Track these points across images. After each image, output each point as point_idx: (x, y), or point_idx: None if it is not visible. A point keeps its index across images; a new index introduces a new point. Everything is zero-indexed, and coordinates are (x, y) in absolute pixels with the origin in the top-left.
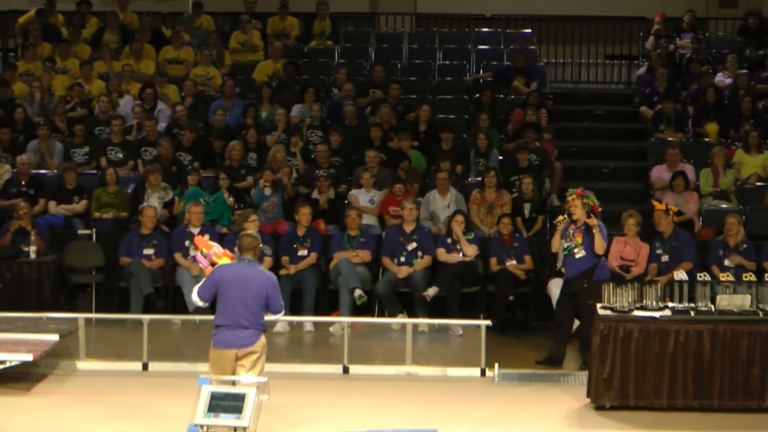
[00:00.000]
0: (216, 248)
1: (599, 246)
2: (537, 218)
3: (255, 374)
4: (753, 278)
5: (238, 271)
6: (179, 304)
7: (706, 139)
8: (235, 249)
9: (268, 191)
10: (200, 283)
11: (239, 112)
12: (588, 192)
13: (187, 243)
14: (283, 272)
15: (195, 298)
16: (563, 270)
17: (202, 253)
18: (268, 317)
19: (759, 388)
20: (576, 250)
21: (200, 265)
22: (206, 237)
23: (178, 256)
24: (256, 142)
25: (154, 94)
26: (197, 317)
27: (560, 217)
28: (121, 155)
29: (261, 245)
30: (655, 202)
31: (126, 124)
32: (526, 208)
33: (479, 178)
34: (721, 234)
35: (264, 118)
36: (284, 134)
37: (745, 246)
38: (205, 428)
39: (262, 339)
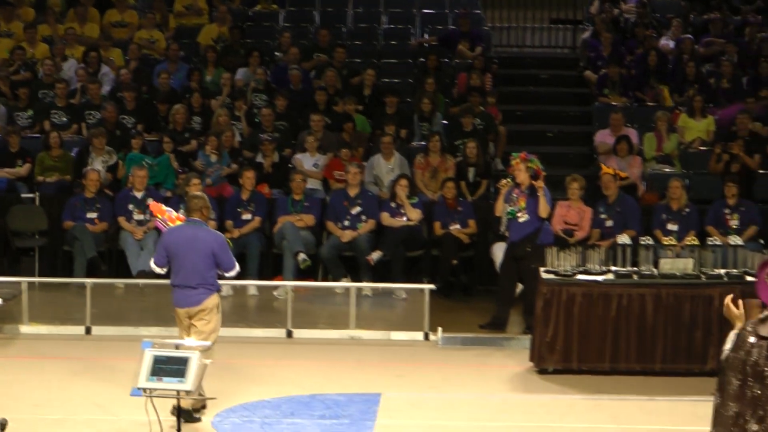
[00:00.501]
0: (170, 213)
1: (543, 210)
2: (481, 182)
3: (207, 333)
4: (696, 242)
5: (185, 232)
6: (122, 268)
7: (651, 104)
8: (182, 210)
9: (213, 157)
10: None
11: (184, 76)
12: (532, 156)
13: (131, 207)
14: (227, 236)
15: (153, 267)
16: (507, 234)
17: (158, 218)
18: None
19: (701, 352)
20: (519, 214)
21: (162, 230)
22: (161, 204)
23: (121, 220)
24: (200, 105)
25: (99, 57)
26: (140, 281)
27: (504, 181)
28: (65, 119)
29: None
30: (603, 166)
31: (70, 88)
32: (471, 173)
33: (423, 143)
34: (665, 198)
35: (209, 82)
36: (229, 98)
37: (688, 210)
38: (148, 392)
39: (213, 298)
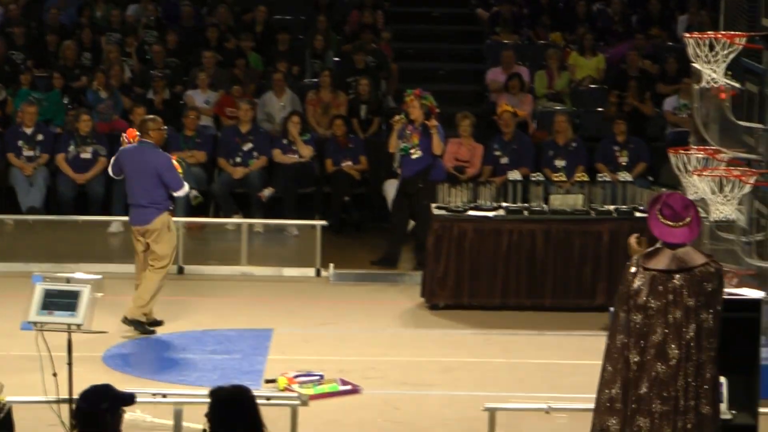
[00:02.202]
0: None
1: (437, 147)
2: (373, 120)
3: (161, 255)
4: (585, 178)
5: (134, 154)
6: (12, 205)
7: (542, 42)
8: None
9: (103, 94)
10: None
11: (74, 12)
12: (426, 93)
13: (20, 143)
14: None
15: (111, 173)
16: (399, 171)
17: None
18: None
19: (590, 287)
20: (413, 151)
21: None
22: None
23: (10, 156)
24: (90, 41)
25: None
26: (30, 217)
27: (397, 117)
28: None
29: (163, 128)
30: (503, 104)
31: None
32: (363, 110)
33: (315, 80)
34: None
35: (99, 18)
36: (119, 34)
37: (574, 144)
38: (38, 325)
39: (162, 217)
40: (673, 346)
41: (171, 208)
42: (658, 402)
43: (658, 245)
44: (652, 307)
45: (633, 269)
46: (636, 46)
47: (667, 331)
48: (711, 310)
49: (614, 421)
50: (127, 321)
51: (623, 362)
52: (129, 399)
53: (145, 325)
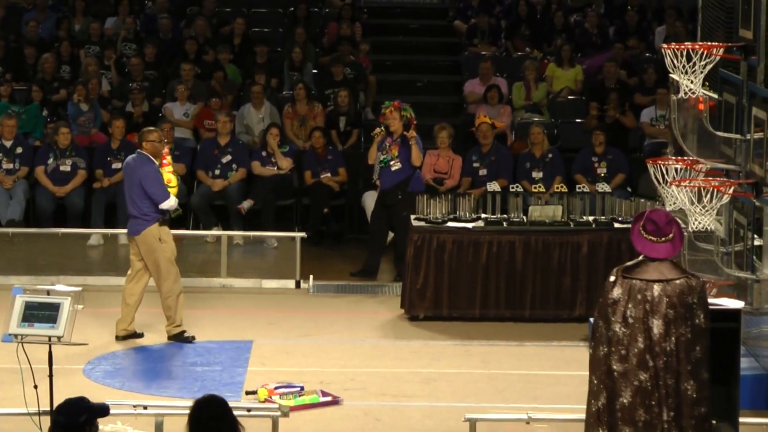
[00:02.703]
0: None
1: (416, 158)
2: (352, 131)
3: (156, 269)
4: (564, 189)
5: (129, 164)
6: None
7: (520, 53)
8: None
9: (84, 106)
10: None
11: (52, 25)
12: (405, 104)
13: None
14: (97, 185)
15: None
16: (378, 182)
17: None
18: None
19: (569, 298)
20: (392, 163)
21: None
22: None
23: None
24: (69, 54)
25: None
26: (10, 230)
27: (378, 130)
28: None
29: (162, 142)
30: (481, 116)
31: None
32: (342, 121)
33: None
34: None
35: (77, 31)
36: (98, 47)
37: (551, 155)
38: (19, 338)
39: (152, 229)
40: (653, 355)
41: (163, 219)
42: (641, 411)
43: (640, 258)
44: (632, 316)
45: (612, 278)
46: (614, 58)
47: (648, 340)
48: (690, 323)
49: None
50: (171, 339)
51: (606, 372)
52: (104, 410)
53: (183, 334)
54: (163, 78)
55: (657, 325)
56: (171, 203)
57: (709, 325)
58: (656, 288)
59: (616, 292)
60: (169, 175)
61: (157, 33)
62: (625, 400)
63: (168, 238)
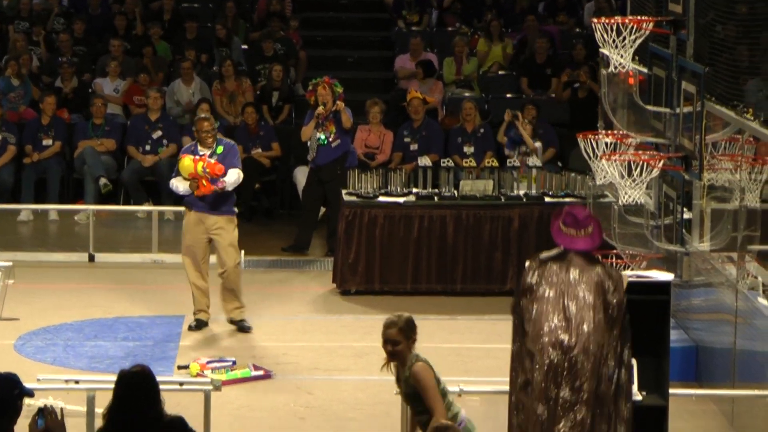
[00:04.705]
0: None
1: (347, 120)
2: (284, 107)
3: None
4: (495, 163)
5: None
6: None
7: (450, 28)
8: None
9: (15, 81)
10: None
11: None
12: (334, 80)
13: None
14: (27, 161)
15: None
16: (309, 158)
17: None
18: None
19: (501, 272)
20: (331, 139)
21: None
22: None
23: None
24: None
25: None
26: None
27: (320, 109)
28: None
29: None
30: (412, 91)
31: None
32: (275, 96)
33: None
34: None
35: (5, 6)
36: (27, 23)
37: (482, 131)
38: None
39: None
40: (567, 335)
41: (188, 208)
42: (553, 388)
43: (559, 248)
44: (548, 297)
45: (528, 263)
46: (543, 33)
47: (563, 321)
48: (609, 311)
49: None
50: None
51: (521, 352)
52: (30, 394)
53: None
54: (92, 54)
55: (572, 306)
56: (173, 186)
57: (626, 317)
58: (573, 271)
59: (534, 276)
60: (186, 160)
61: (86, 8)
62: (539, 377)
63: (187, 221)
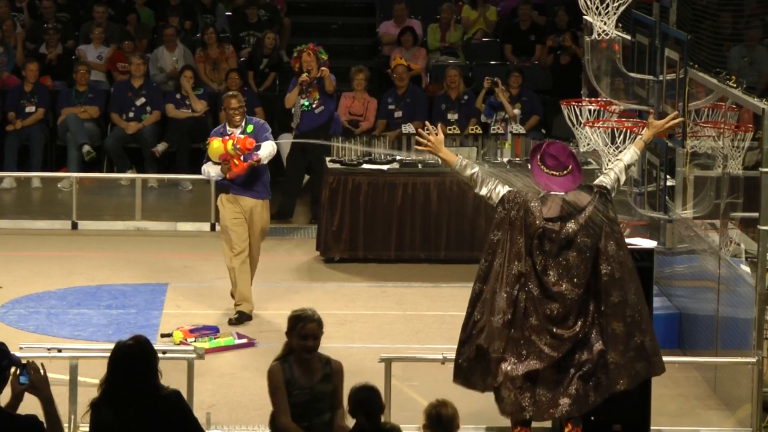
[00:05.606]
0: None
1: (330, 84)
2: (269, 74)
3: None
4: (479, 131)
5: None
6: None
7: None
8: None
9: None
10: None
11: None
12: (318, 47)
13: None
14: (9, 128)
15: None
16: (293, 125)
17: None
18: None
19: (485, 239)
20: (315, 105)
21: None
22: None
23: None
24: None
25: None
26: None
27: (304, 76)
28: None
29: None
30: (397, 58)
31: None
32: (264, 63)
33: None
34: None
35: None
36: None
37: (466, 97)
38: None
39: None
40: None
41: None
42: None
43: (546, 192)
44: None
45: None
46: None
47: (559, 269)
48: (617, 235)
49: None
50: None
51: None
52: (17, 362)
53: (232, 319)
54: (75, 20)
55: (572, 255)
56: (204, 172)
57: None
58: (570, 225)
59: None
60: (216, 143)
61: None
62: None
63: (223, 202)
